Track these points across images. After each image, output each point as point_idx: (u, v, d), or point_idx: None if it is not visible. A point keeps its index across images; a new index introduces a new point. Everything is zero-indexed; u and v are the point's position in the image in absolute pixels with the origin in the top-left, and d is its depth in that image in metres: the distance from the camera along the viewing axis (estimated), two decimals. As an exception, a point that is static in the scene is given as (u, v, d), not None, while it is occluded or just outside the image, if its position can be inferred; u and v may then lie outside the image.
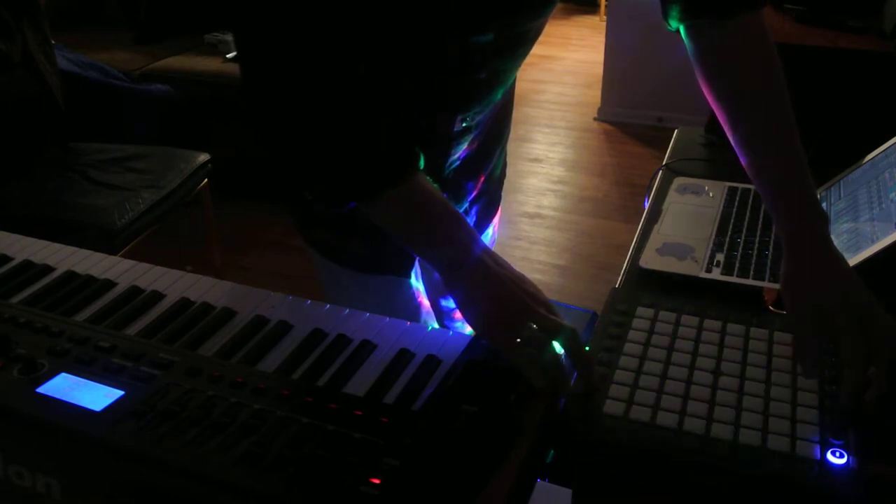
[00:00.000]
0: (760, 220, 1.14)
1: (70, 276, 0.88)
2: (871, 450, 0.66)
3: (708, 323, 0.84)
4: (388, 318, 0.81)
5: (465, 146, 1.01)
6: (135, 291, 0.85)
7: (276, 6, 0.75)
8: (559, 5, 0.94)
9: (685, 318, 0.84)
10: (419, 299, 1.07)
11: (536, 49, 0.98)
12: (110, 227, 2.12)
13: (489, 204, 1.19)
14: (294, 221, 1.07)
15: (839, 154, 1.23)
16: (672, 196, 1.24)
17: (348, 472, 0.57)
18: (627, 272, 1.08)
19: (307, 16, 0.75)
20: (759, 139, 0.90)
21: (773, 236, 1.09)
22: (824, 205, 1.15)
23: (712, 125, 1.62)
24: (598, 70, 4.30)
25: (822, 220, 0.85)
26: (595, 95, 4.39)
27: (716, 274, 1.02)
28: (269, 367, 0.73)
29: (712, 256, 1.05)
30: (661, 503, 0.70)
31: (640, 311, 0.86)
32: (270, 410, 0.64)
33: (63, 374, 0.67)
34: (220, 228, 2.71)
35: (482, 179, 1.12)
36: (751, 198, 1.21)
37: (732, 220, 1.14)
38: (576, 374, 0.73)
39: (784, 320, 0.83)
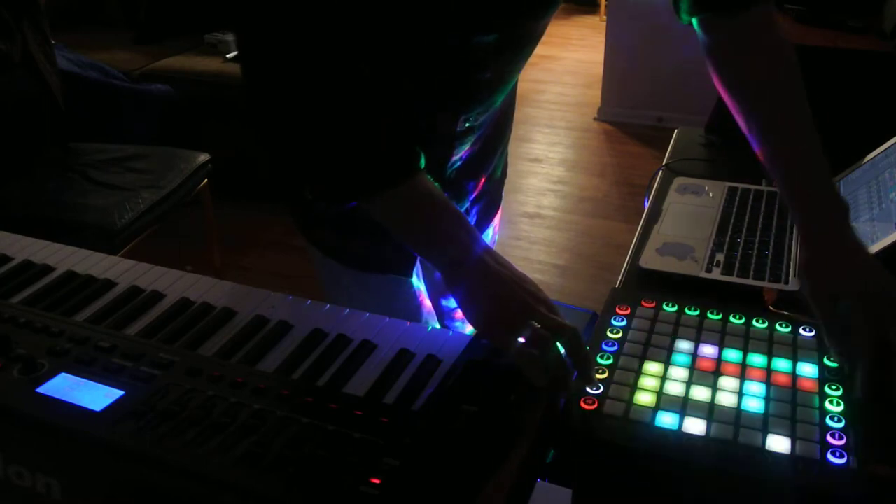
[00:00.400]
0: (760, 220, 1.14)
1: (70, 276, 0.88)
2: (871, 450, 0.66)
3: (708, 323, 0.84)
4: (388, 318, 0.81)
5: (467, 146, 1.01)
6: (135, 291, 0.85)
7: (279, 6, 0.75)
8: (555, 12, 0.95)
9: (685, 319, 0.84)
10: (420, 299, 1.07)
11: (536, 49, 0.98)
12: (110, 227, 2.12)
13: (490, 204, 1.19)
14: (295, 221, 1.07)
15: (839, 154, 1.22)
16: (672, 196, 1.24)
17: (348, 472, 0.57)
18: (627, 272, 1.08)
19: (310, 16, 0.75)
20: (771, 130, 0.90)
21: (773, 236, 1.09)
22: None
23: (712, 125, 1.62)
24: (598, 70, 4.30)
25: (840, 209, 0.84)
26: (595, 95, 4.39)
27: (716, 274, 1.02)
28: (269, 367, 0.73)
29: (712, 256, 1.05)
30: (661, 503, 0.70)
31: (640, 311, 0.86)
32: (270, 410, 0.64)
33: (63, 374, 0.67)
34: (220, 228, 2.71)
35: (483, 180, 1.12)
36: (751, 198, 1.21)
37: (732, 220, 1.14)
38: (576, 373, 0.73)
39: (808, 309, 0.82)
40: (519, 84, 1.09)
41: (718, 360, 0.78)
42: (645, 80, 4.13)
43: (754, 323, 0.83)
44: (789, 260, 1.04)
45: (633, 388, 0.74)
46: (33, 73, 2.36)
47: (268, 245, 3.00)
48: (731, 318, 0.84)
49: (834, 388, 0.74)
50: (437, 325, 1.12)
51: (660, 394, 0.73)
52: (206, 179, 2.54)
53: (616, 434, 0.69)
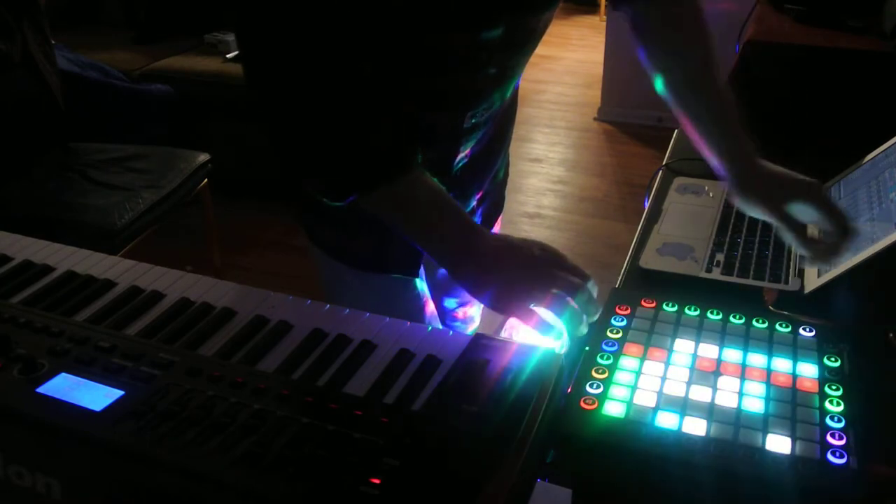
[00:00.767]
0: (760, 220, 1.14)
1: (70, 276, 0.88)
2: (871, 450, 0.66)
3: (708, 323, 0.84)
4: (388, 318, 0.81)
5: (473, 143, 1.01)
6: (135, 291, 0.85)
7: (282, 3, 0.75)
8: (560, 5, 0.95)
9: (685, 319, 0.84)
10: (424, 301, 1.07)
11: (537, 49, 0.98)
12: (110, 227, 2.12)
13: (493, 206, 1.19)
14: (299, 221, 1.07)
15: (839, 154, 1.23)
16: (672, 196, 1.24)
17: (348, 472, 0.57)
18: (627, 272, 1.08)
19: (313, 13, 0.75)
20: (690, 93, 1.02)
21: (773, 236, 1.09)
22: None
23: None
24: (598, 70, 4.30)
25: (756, 150, 0.98)
26: (595, 95, 4.39)
27: (716, 274, 1.02)
28: (269, 367, 0.73)
29: (712, 256, 1.05)
30: (661, 503, 0.70)
31: (640, 311, 0.86)
32: (270, 410, 0.64)
33: (63, 374, 0.67)
34: (220, 228, 2.71)
35: (487, 180, 1.12)
36: (751, 198, 1.20)
37: (732, 220, 1.14)
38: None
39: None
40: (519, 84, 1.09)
41: (718, 360, 0.78)
42: (645, 80, 4.06)
43: (754, 323, 0.83)
44: (789, 260, 1.04)
45: (633, 388, 0.74)
46: (33, 73, 2.36)
47: (268, 245, 3.00)
48: (731, 318, 0.84)
49: (834, 388, 0.74)
50: (439, 326, 1.12)
51: (660, 394, 0.73)
52: (206, 179, 2.54)
53: (616, 434, 0.69)
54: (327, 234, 1.05)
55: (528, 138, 4.08)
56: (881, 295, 0.96)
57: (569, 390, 0.74)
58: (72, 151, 2.47)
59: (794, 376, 0.75)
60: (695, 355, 0.79)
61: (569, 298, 0.76)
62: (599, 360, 0.78)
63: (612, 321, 0.84)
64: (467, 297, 1.21)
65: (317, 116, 0.77)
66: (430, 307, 1.09)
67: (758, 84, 1.73)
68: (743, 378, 0.75)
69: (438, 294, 1.17)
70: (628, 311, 0.86)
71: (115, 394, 0.65)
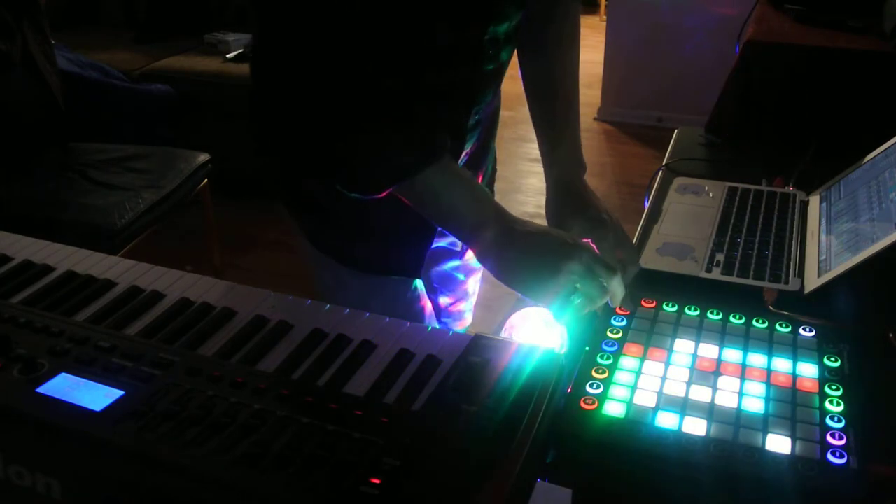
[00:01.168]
0: (760, 220, 1.14)
1: (70, 276, 0.88)
2: (871, 450, 0.66)
3: (708, 323, 0.84)
4: (388, 318, 0.81)
5: (473, 140, 1.01)
6: (135, 291, 0.85)
7: (303, 7, 0.76)
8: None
9: (685, 319, 0.84)
10: (422, 302, 1.07)
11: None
12: (110, 227, 2.12)
13: None
14: (299, 222, 1.07)
15: (839, 154, 1.23)
16: (672, 196, 1.24)
17: (348, 472, 0.57)
18: (627, 272, 1.08)
19: (336, 10, 0.76)
20: (540, 100, 1.08)
21: (773, 236, 1.09)
22: (824, 205, 1.15)
23: (712, 125, 1.62)
24: (598, 70, 4.30)
25: (583, 168, 1.05)
26: (595, 95, 4.39)
27: (716, 274, 1.02)
28: (269, 367, 0.73)
29: (712, 256, 1.05)
30: (661, 503, 0.70)
31: (640, 311, 0.86)
32: (270, 410, 0.64)
33: (63, 374, 0.67)
34: (220, 228, 2.71)
35: (480, 177, 1.12)
36: (751, 198, 1.21)
37: (732, 220, 1.14)
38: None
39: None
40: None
41: (718, 361, 0.78)
42: (645, 80, 4.13)
43: (754, 323, 0.83)
44: (789, 260, 1.04)
45: (633, 388, 0.74)
46: (33, 73, 2.36)
47: (268, 245, 3.00)
48: (731, 318, 0.84)
49: (834, 388, 0.74)
50: (438, 326, 1.12)
51: (660, 394, 0.73)
52: (206, 179, 2.54)
53: (616, 434, 0.69)
54: (330, 237, 1.05)
55: (528, 138, 4.08)
56: (881, 295, 0.96)
57: (569, 390, 0.74)
58: (71, 151, 2.47)
59: (794, 376, 0.75)
60: (695, 355, 0.79)
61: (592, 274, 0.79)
62: (599, 360, 0.78)
63: (612, 321, 0.84)
64: (460, 293, 1.21)
65: (349, 110, 0.79)
66: (430, 307, 1.09)
67: (758, 84, 1.73)
68: (743, 378, 0.75)
69: (432, 291, 1.17)
70: (628, 311, 0.86)
71: (115, 394, 0.65)
